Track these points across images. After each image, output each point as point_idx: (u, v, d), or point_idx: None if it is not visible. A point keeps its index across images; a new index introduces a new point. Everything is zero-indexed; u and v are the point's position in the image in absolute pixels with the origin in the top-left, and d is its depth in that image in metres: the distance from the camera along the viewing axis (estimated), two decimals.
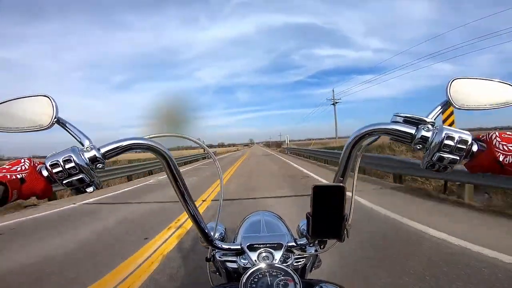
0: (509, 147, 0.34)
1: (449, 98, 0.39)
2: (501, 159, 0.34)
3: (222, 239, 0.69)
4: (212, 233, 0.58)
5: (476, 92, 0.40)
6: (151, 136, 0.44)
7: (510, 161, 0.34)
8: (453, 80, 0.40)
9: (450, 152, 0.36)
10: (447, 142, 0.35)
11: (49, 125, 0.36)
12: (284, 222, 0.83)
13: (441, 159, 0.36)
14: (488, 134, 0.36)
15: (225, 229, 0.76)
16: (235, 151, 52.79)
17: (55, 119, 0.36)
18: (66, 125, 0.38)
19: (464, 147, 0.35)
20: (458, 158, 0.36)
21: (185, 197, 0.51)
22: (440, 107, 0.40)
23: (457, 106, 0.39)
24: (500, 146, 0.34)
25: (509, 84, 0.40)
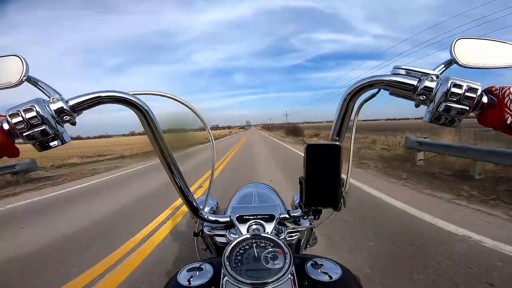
0: None
1: (453, 56, 0.37)
2: (509, 121, 0.33)
3: (214, 214, 0.67)
4: (201, 207, 0.55)
5: (481, 52, 0.38)
6: (133, 92, 0.41)
7: None
8: (457, 40, 0.38)
9: (457, 102, 0.33)
10: (454, 90, 0.33)
11: (17, 82, 0.35)
12: (278, 194, 0.81)
13: (447, 109, 0.34)
14: (502, 89, 0.34)
15: (217, 203, 0.75)
16: (224, 136, 37.48)
17: (25, 77, 0.35)
18: (38, 82, 0.36)
19: (474, 95, 0.33)
20: (467, 108, 0.34)
21: (171, 167, 0.48)
22: (443, 65, 0.38)
23: (461, 63, 0.37)
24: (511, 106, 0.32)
25: None
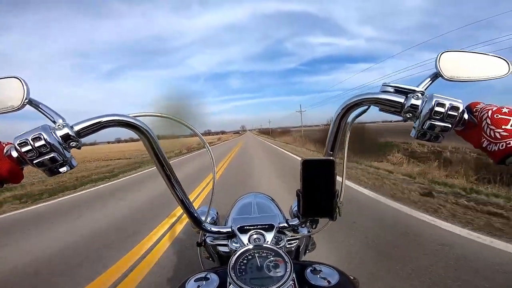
0: (496, 133, 0.34)
1: (438, 70, 0.40)
2: (484, 145, 0.35)
3: (214, 224, 0.71)
4: (203, 217, 0.59)
5: (466, 65, 0.41)
6: (134, 114, 0.43)
7: (493, 149, 0.34)
8: (442, 53, 0.41)
9: (441, 120, 0.36)
10: (437, 109, 0.36)
11: (19, 106, 0.36)
12: (277, 203, 0.86)
13: (432, 127, 0.37)
14: (481, 111, 0.36)
15: (217, 213, 0.78)
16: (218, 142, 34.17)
17: (26, 100, 0.36)
18: (39, 106, 0.38)
19: (456, 114, 0.36)
20: (449, 125, 0.37)
21: (172, 181, 0.51)
22: (429, 78, 0.41)
23: (446, 77, 0.40)
24: (488, 131, 0.35)
25: (500, 58, 0.42)
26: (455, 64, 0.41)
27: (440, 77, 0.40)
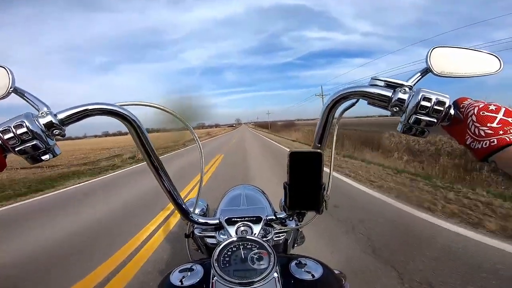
0: (481, 131, 0.34)
1: (428, 65, 0.40)
2: (468, 142, 0.36)
3: (204, 215, 0.72)
4: (191, 209, 0.60)
5: (457, 60, 0.42)
6: (121, 103, 0.43)
7: (476, 147, 0.34)
8: (433, 48, 0.42)
9: (427, 114, 0.37)
10: (424, 103, 0.36)
11: (5, 94, 0.37)
12: (267, 196, 0.87)
13: (417, 121, 0.37)
14: (468, 108, 0.37)
15: (207, 205, 0.79)
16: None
17: (11, 89, 0.37)
18: (24, 94, 0.38)
19: (441, 109, 0.36)
20: (435, 120, 0.37)
21: (159, 172, 0.51)
22: (419, 73, 0.41)
23: (436, 73, 0.40)
24: (472, 128, 0.35)
25: (491, 54, 0.42)
26: (446, 60, 0.41)
27: (430, 73, 0.41)
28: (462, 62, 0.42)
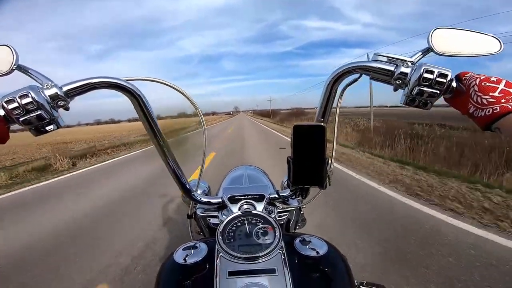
0: (483, 100, 0.36)
1: (430, 45, 0.42)
2: (471, 111, 0.37)
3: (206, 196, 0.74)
4: (194, 189, 0.60)
5: (458, 41, 0.43)
6: (126, 78, 0.44)
7: (479, 115, 0.36)
8: (435, 29, 0.43)
9: (429, 86, 0.38)
10: (426, 75, 0.38)
11: (8, 71, 0.38)
12: (268, 176, 0.88)
13: (420, 93, 0.39)
14: (469, 79, 0.39)
15: (209, 186, 0.80)
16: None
17: (15, 66, 0.38)
18: (28, 70, 0.39)
19: (444, 80, 0.38)
20: (438, 91, 0.39)
21: (164, 149, 0.52)
22: (421, 52, 0.43)
23: (437, 52, 0.42)
24: (475, 97, 0.37)
25: (492, 36, 0.44)
26: (447, 40, 0.43)
27: (431, 52, 0.42)
28: (463, 43, 0.43)
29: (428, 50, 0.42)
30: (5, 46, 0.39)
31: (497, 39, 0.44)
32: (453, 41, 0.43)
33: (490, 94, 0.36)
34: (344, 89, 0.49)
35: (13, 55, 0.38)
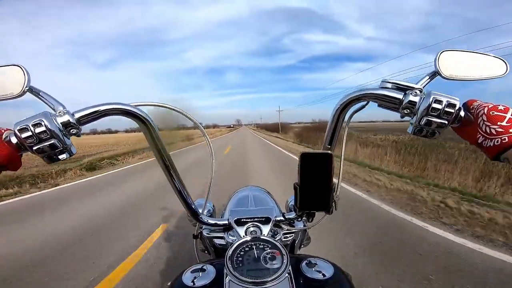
0: (492, 130, 0.36)
1: (437, 68, 0.42)
2: (480, 141, 0.37)
3: (211, 216, 0.74)
4: (200, 210, 0.61)
5: (464, 64, 0.44)
6: (135, 103, 0.45)
7: (488, 145, 0.36)
8: (442, 52, 0.44)
9: (437, 116, 0.39)
10: (435, 105, 0.38)
11: (20, 93, 0.38)
12: (273, 197, 0.90)
13: (429, 123, 0.39)
14: (477, 108, 0.39)
15: (214, 206, 0.81)
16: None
17: (27, 88, 0.38)
18: (39, 93, 0.39)
19: (452, 111, 0.38)
20: (446, 122, 0.39)
21: (171, 172, 0.53)
22: (428, 76, 0.43)
23: (444, 76, 0.42)
24: (483, 127, 0.37)
25: (498, 58, 0.45)
26: (454, 63, 0.43)
27: (438, 76, 0.43)
28: (470, 66, 0.44)
29: (435, 74, 0.43)
30: (16, 66, 0.39)
31: (503, 61, 0.45)
32: (459, 64, 0.43)
33: (499, 123, 0.36)
34: (351, 116, 0.50)
35: (24, 76, 0.38)
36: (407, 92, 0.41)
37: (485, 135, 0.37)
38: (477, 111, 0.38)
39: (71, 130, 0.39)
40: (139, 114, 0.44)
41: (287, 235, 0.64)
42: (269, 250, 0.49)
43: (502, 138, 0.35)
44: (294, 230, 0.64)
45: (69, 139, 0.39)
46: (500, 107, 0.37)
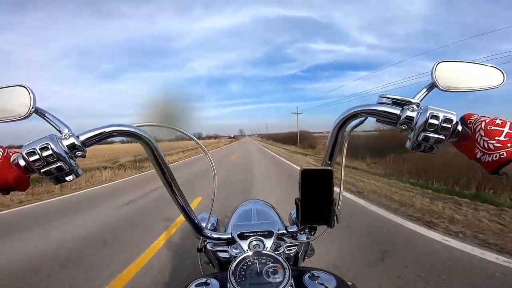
0: (490, 145, 0.36)
1: (434, 80, 0.43)
2: (478, 156, 0.37)
3: (214, 230, 0.75)
4: (203, 224, 0.63)
5: (461, 75, 0.44)
6: (137, 124, 0.47)
7: (487, 160, 0.36)
8: (438, 63, 0.44)
9: (435, 132, 0.39)
10: (432, 121, 0.38)
11: (26, 115, 0.39)
12: (276, 210, 0.91)
13: (426, 138, 0.39)
14: (475, 123, 0.39)
15: (217, 220, 0.83)
16: None
17: (33, 109, 0.39)
18: (45, 114, 0.41)
19: (449, 126, 0.38)
20: (443, 137, 0.39)
21: (173, 188, 0.55)
22: (425, 89, 0.44)
23: (442, 88, 0.43)
24: (481, 142, 0.37)
25: (494, 67, 0.45)
26: (450, 75, 0.44)
27: (436, 88, 0.43)
28: (466, 76, 0.44)
29: (432, 86, 0.43)
30: (21, 87, 0.39)
31: (499, 70, 0.45)
32: (456, 76, 0.44)
33: (496, 138, 0.36)
34: (350, 131, 0.50)
35: (30, 97, 0.39)
36: (404, 107, 0.41)
37: (483, 150, 0.37)
38: (475, 126, 0.39)
39: (77, 152, 0.40)
40: (142, 136, 0.45)
41: (290, 248, 0.65)
42: (271, 264, 0.49)
43: (500, 153, 0.35)
44: (296, 243, 0.65)
45: (74, 161, 0.40)
46: (498, 121, 0.37)
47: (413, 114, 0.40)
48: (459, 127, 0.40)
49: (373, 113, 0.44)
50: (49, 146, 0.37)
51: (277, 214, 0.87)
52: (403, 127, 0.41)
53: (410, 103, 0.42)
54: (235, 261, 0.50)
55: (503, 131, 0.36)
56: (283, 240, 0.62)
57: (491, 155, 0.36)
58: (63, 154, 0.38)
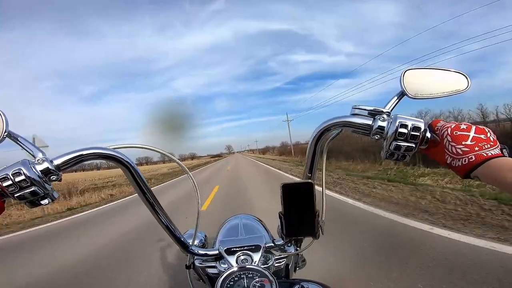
0: (458, 150, 0.38)
1: (403, 89, 0.45)
2: (449, 161, 0.39)
3: (203, 246, 0.75)
4: (190, 240, 0.63)
5: (429, 82, 0.46)
6: (114, 146, 0.47)
7: (457, 165, 0.38)
8: (406, 71, 0.46)
9: (405, 140, 0.41)
10: (401, 130, 0.40)
11: None
12: (263, 224, 0.92)
13: (398, 147, 0.41)
14: (442, 129, 0.41)
15: (205, 236, 0.83)
16: None
17: (6, 133, 0.39)
18: (18, 139, 0.41)
19: (418, 134, 0.40)
20: (413, 145, 0.41)
21: (155, 208, 0.55)
22: (396, 97, 0.46)
23: (411, 96, 0.45)
24: (449, 147, 0.39)
25: (459, 73, 0.48)
26: (418, 82, 0.46)
27: (405, 96, 0.45)
28: (433, 83, 0.46)
29: (402, 94, 0.46)
30: None
31: (464, 75, 0.47)
32: (424, 82, 0.46)
33: (463, 143, 0.38)
34: (327, 143, 0.52)
35: (2, 121, 0.39)
36: (376, 117, 0.43)
37: (452, 155, 0.38)
38: (442, 132, 0.41)
39: (51, 177, 0.40)
40: (120, 158, 0.46)
41: (280, 260, 0.66)
42: (258, 279, 0.51)
43: (469, 157, 0.37)
44: (285, 255, 0.66)
45: (50, 185, 0.40)
46: (463, 126, 0.39)
47: (384, 124, 0.43)
48: (428, 134, 0.42)
49: (346, 125, 0.46)
50: (22, 171, 0.37)
51: (265, 228, 0.88)
52: (376, 137, 0.43)
53: (381, 112, 0.44)
54: (221, 277, 0.51)
55: (469, 135, 0.38)
56: (271, 253, 0.63)
57: (461, 160, 0.37)
58: (37, 179, 0.38)
